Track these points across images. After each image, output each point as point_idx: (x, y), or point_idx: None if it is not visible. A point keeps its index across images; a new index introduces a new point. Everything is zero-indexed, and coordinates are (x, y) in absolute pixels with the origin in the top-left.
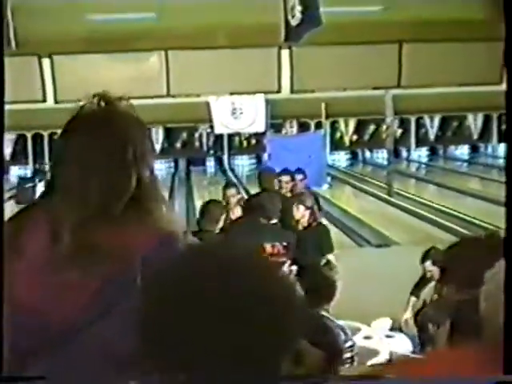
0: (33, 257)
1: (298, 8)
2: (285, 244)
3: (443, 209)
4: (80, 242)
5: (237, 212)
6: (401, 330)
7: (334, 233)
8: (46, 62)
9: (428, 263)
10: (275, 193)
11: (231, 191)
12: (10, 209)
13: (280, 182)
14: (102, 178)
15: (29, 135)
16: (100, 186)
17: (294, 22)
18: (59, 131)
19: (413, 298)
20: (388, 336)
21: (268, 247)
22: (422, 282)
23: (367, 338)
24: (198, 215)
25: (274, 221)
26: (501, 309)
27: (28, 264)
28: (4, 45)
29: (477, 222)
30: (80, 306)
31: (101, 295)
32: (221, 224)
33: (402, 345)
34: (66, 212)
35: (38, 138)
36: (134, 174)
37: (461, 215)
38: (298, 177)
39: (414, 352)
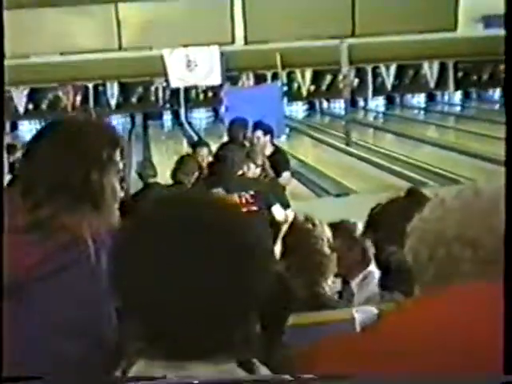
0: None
1: None
2: (252, 193)
3: (401, 157)
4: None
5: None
6: None
7: (293, 184)
8: None
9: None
10: (242, 146)
11: (203, 151)
12: None
13: (250, 137)
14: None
15: None
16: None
17: None
18: (11, 89)
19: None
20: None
21: (235, 197)
22: None
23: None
24: (172, 167)
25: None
26: (424, 260)
27: None
28: None
29: (433, 169)
30: (30, 265)
31: (52, 258)
32: (193, 178)
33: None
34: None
35: None
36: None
37: (418, 163)
38: (258, 132)
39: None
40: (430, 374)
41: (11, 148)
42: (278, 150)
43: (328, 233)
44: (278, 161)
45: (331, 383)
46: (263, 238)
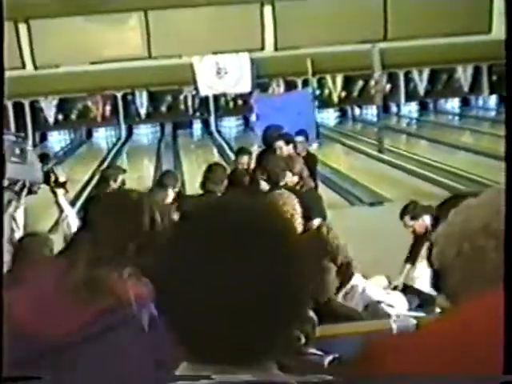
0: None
1: None
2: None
3: (435, 164)
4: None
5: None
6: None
7: (326, 192)
8: (22, 27)
9: (407, 218)
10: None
11: (244, 158)
12: None
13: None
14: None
15: (9, 104)
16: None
17: None
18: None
19: (407, 266)
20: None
21: None
22: (414, 248)
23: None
24: (201, 177)
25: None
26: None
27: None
28: None
29: (469, 175)
30: (79, 325)
31: (99, 319)
32: (223, 187)
33: (398, 304)
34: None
35: (18, 107)
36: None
37: (453, 169)
38: (298, 139)
39: (410, 310)
40: (430, 374)
41: (44, 157)
42: (309, 155)
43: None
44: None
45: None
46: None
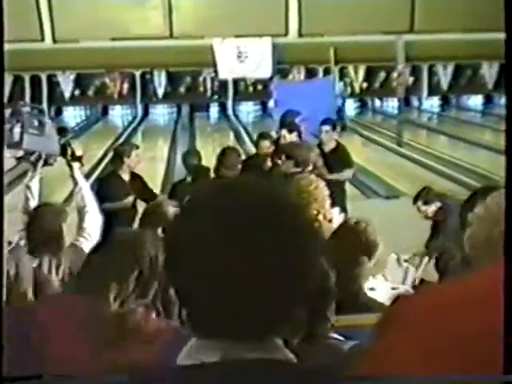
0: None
1: None
2: None
3: (454, 160)
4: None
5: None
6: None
7: None
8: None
9: (420, 203)
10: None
11: (265, 143)
12: None
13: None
14: None
15: (26, 77)
16: None
17: None
18: (58, 73)
19: (425, 259)
20: (393, 288)
21: None
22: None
23: (371, 289)
24: (215, 162)
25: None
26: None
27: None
28: None
29: (490, 175)
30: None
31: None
32: (237, 171)
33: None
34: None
35: (35, 80)
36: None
37: (473, 168)
38: (324, 128)
39: None
40: (430, 375)
41: (62, 130)
42: (339, 146)
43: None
44: (341, 157)
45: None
46: (318, 231)
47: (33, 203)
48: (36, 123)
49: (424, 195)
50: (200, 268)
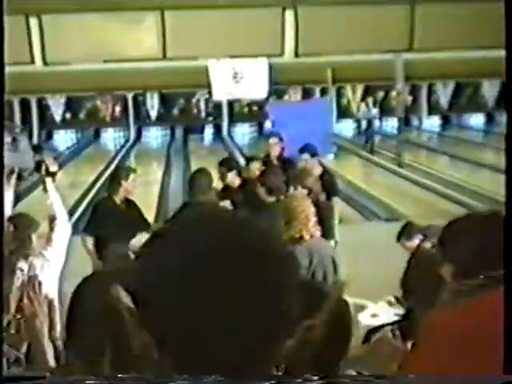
0: None
1: None
2: None
3: (456, 181)
4: None
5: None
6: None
7: (340, 206)
8: (33, 21)
9: (403, 239)
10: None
11: (255, 165)
12: None
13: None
14: None
15: (16, 100)
16: None
17: None
18: (48, 96)
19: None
20: (396, 314)
21: None
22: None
23: (374, 316)
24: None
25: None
26: None
27: None
28: None
29: (492, 195)
30: None
31: None
32: (211, 194)
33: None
34: None
35: (25, 104)
36: None
37: (475, 188)
38: (303, 156)
39: None
40: (431, 375)
41: (37, 148)
42: (324, 174)
43: None
44: (326, 184)
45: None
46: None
47: (7, 211)
48: (9, 140)
49: (406, 231)
50: (177, 305)
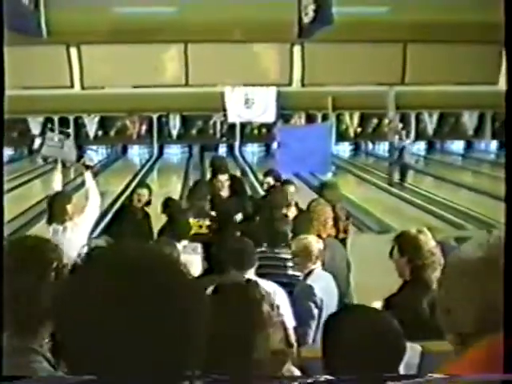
0: None
1: (312, 7)
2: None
3: (439, 199)
4: None
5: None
6: None
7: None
8: (73, 51)
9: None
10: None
11: (268, 180)
12: None
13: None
14: None
15: (56, 118)
16: None
17: (307, 20)
18: (84, 116)
19: None
20: None
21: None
22: None
23: None
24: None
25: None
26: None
27: None
28: (36, 34)
29: (469, 212)
30: None
31: None
32: (206, 202)
33: None
34: None
35: (63, 122)
36: None
37: (455, 206)
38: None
39: None
40: (431, 375)
41: (81, 147)
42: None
43: None
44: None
45: None
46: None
47: (56, 188)
48: (56, 139)
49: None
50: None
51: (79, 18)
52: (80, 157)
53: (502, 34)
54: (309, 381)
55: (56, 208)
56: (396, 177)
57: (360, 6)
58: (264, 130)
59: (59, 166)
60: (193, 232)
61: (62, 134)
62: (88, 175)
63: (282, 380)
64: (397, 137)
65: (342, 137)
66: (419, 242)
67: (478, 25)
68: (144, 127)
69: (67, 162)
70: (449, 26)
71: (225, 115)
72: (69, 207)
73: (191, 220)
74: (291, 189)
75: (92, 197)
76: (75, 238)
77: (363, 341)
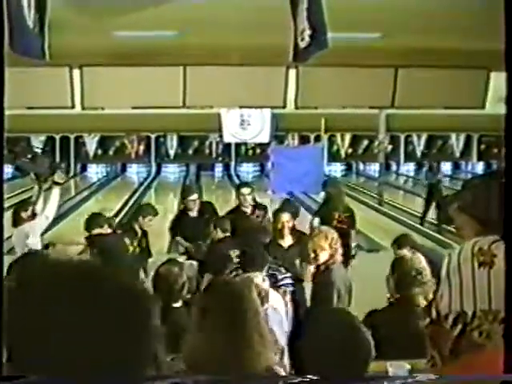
0: None
1: (308, 32)
2: None
3: (427, 219)
4: None
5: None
6: None
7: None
8: (76, 72)
9: (395, 246)
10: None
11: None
12: None
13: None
14: None
15: (57, 137)
16: None
17: (302, 45)
18: (85, 135)
19: None
20: None
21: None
22: None
23: None
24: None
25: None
26: None
27: None
28: (39, 57)
29: (454, 230)
30: None
31: None
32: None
33: None
34: None
35: (64, 141)
36: None
37: (443, 225)
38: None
39: None
40: (432, 375)
41: (52, 166)
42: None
43: None
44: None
45: None
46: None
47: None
48: (29, 156)
49: (401, 241)
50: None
51: (81, 42)
52: (52, 174)
53: (488, 60)
54: (297, 380)
55: (15, 214)
56: (429, 216)
57: (353, 32)
58: (258, 151)
59: (33, 176)
60: None
61: (37, 151)
62: (55, 191)
63: (273, 379)
64: (425, 169)
65: (333, 157)
66: (407, 262)
67: (466, 51)
68: (142, 147)
69: (40, 175)
70: (438, 52)
71: (220, 136)
72: (23, 214)
73: None
74: (284, 217)
75: (48, 210)
76: (29, 240)
77: (328, 343)
